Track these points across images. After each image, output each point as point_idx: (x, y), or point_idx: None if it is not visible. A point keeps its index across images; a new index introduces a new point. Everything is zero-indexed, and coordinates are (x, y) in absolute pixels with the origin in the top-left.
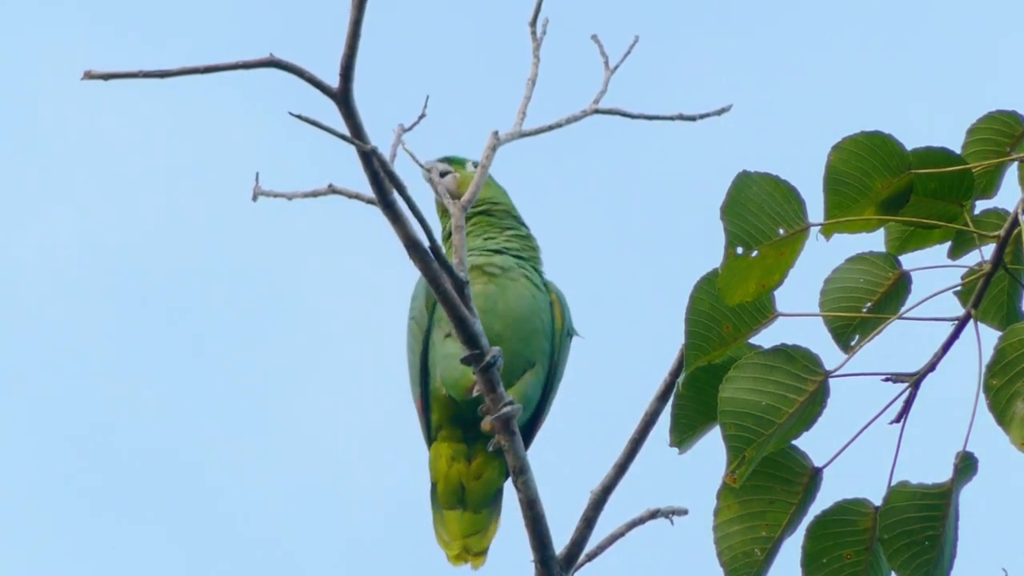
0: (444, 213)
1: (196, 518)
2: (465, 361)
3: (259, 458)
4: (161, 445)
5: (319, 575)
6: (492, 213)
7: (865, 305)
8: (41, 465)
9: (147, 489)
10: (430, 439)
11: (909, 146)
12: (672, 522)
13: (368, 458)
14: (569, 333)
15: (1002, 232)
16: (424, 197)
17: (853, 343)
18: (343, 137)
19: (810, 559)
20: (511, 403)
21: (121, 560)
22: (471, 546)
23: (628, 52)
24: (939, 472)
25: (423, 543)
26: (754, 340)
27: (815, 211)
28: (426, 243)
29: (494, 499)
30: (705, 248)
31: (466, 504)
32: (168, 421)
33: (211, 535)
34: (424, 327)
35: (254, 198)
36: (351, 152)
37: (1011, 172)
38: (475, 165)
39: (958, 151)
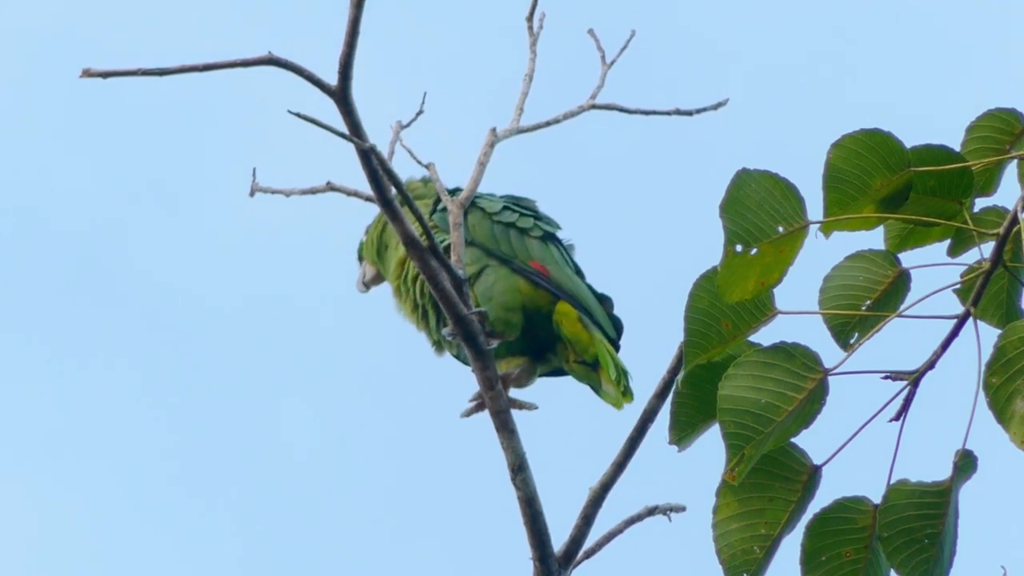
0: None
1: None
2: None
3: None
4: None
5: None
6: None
7: (864, 303)
8: None
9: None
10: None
11: (908, 144)
12: (670, 519)
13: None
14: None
15: (1001, 230)
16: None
17: (852, 341)
18: (341, 135)
19: (809, 557)
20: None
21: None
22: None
23: (625, 47)
24: (938, 470)
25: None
26: (753, 338)
27: (814, 209)
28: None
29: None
30: (704, 245)
31: (597, 366)
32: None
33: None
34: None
35: (251, 194)
36: (350, 150)
37: (1010, 170)
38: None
39: (957, 149)
